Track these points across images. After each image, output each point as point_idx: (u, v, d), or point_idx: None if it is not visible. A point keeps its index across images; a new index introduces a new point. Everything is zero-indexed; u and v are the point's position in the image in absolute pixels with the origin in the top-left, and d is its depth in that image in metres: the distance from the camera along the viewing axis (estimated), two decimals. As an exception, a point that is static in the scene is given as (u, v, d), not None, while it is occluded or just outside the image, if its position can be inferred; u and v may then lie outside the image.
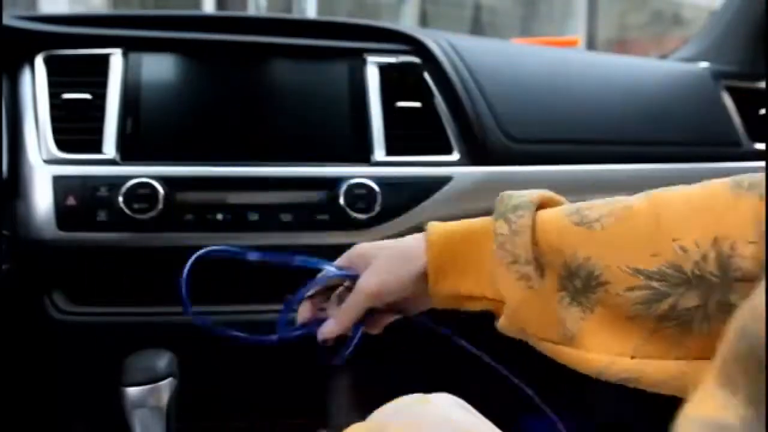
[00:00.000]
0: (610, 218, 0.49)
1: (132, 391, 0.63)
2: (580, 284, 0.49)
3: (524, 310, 0.50)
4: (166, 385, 0.64)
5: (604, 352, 0.49)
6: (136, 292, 0.84)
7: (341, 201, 0.81)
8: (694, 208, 0.47)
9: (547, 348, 0.52)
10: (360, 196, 0.82)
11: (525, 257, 0.50)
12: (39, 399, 0.90)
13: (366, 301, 0.56)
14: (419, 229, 0.86)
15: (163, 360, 0.65)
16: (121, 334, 0.84)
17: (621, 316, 0.48)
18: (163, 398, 0.64)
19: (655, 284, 0.46)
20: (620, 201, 0.50)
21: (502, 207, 0.53)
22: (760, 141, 1.05)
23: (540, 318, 0.50)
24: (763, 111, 1.06)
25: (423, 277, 0.55)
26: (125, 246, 0.79)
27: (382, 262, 0.56)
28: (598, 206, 0.50)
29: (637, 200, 0.50)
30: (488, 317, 0.56)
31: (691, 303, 0.45)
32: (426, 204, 0.85)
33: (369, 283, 0.56)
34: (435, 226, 0.56)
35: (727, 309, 0.45)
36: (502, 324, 0.53)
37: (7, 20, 0.83)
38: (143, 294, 0.84)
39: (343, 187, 0.82)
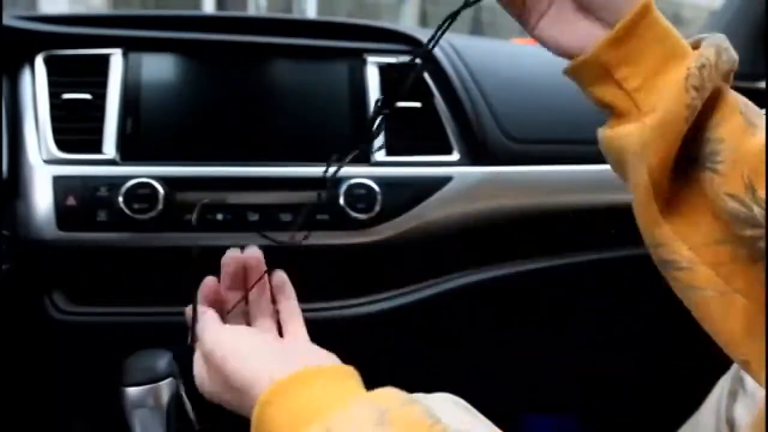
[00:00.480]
0: (763, 133, 0.46)
1: (132, 391, 0.63)
2: (693, 153, 0.47)
3: (666, 134, 0.45)
4: (166, 386, 0.64)
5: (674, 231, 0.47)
6: (136, 292, 0.84)
7: (341, 201, 0.81)
8: None
9: (644, 193, 0.47)
10: (360, 196, 0.82)
11: (706, 94, 0.45)
12: (39, 399, 0.90)
13: None
14: (420, 229, 0.87)
15: (163, 360, 0.65)
16: (121, 334, 0.84)
17: (701, 206, 0.47)
18: (163, 398, 0.64)
19: (756, 209, 0.44)
20: None
21: (714, 39, 0.48)
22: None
23: (667, 150, 0.46)
24: (763, 111, 1.06)
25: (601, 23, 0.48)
26: (125, 246, 0.79)
27: None
28: (758, 114, 0.48)
29: None
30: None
31: None
32: (426, 204, 0.85)
33: None
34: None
35: None
36: (626, 133, 0.47)
37: (7, 20, 0.83)
38: (143, 294, 0.84)
39: (343, 187, 0.82)
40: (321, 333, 0.56)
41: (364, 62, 0.90)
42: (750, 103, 0.49)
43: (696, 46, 0.49)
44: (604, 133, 0.51)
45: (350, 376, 0.42)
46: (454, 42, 0.96)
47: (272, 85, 0.88)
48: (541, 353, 1.10)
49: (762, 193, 0.45)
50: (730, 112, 0.47)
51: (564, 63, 0.53)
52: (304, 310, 0.59)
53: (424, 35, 0.94)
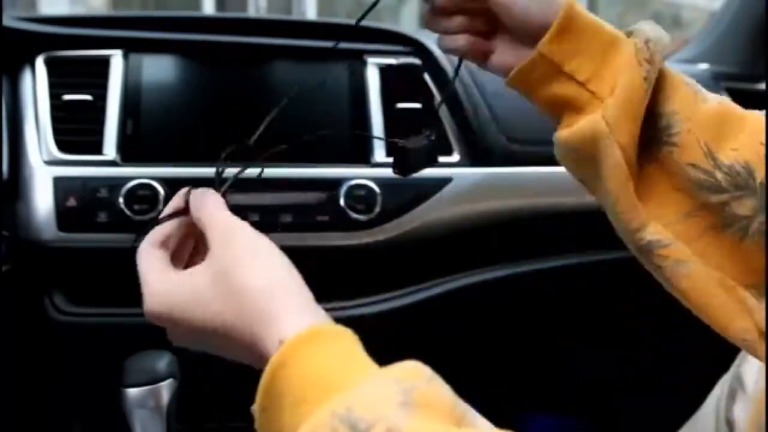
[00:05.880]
0: (714, 98, 0.48)
1: (132, 392, 0.63)
2: (650, 132, 0.47)
3: (630, 111, 0.45)
4: (166, 386, 0.64)
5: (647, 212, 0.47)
6: (136, 293, 0.84)
7: (341, 202, 0.81)
8: None
9: (619, 174, 0.46)
10: (360, 197, 0.82)
11: (657, 66, 0.46)
12: (39, 400, 0.90)
13: None
14: (420, 230, 0.87)
15: (163, 361, 0.65)
16: (121, 335, 0.84)
17: (666, 184, 0.47)
18: (164, 399, 0.64)
19: (719, 176, 0.45)
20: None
21: (643, 24, 0.49)
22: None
23: (634, 128, 0.46)
24: (762, 112, 1.07)
25: (542, 27, 0.48)
26: (125, 247, 0.79)
27: None
28: (703, 89, 0.49)
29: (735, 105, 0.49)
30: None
31: (741, 210, 0.45)
32: (426, 205, 0.85)
33: None
34: None
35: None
36: (589, 123, 0.47)
37: (8, 21, 0.83)
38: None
39: (344, 188, 0.82)
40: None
41: (364, 63, 0.90)
42: (690, 78, 0.49)
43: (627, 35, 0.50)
44: (562, 134, 0.50)
45: (356, 342, 0.39)
46: (454, 43, 0.96)
47: (272, 87, 0.88)
48: (541, 353, 1.10)
49: (721, 156, 0.45)
50: (677, 84, 0.48)
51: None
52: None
53: (424, 36, 0.94)
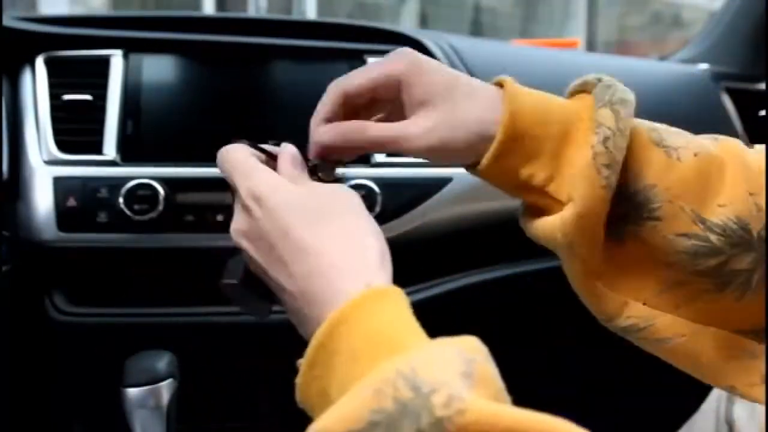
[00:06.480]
0: (688, 152, 0.43)
1: (132, 392, 0.63)
2: (626, 210, 0.43)
3: (589, 222, 0.42)
4: (166, 386, 0.64)
5: (624, 294, 0.44)
6: (137, 293, 0.84)
7: (341, 202, 0.81)
8: None
9: (581, 279, 0.45)
10: (360, 197, 0.82)
11: (618, 166, 0.41)
12: (39, 400, 0.90)
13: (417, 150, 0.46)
14: (420, 230, 0.87)
15: (163, 361, 0.65)
16: (122, 335, 0.84)
17: (648, 258, 0.43)
18: (164, 399, 0.64)
19: (713, 238, 0.42)
20: (693, 137, 0.45)
21: (607, 94, 0.43)
22: (760, 142, 1.05)
23: (594, 237, 0.43)
24: (762, 112, 1.07)
25: (480, 145, 0.44)
26: (126, 247, 0.79)
27: (443, 112, 0.45)
28: (673, 133, 0.44)
29: (709, 142, 0.45)
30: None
31: (740, 266, 0.42)
32: (426, 205, 0.85)
33: (422, 132, 0.45)
34: (513, 87, 0.44)
35: None
36: (548, 228, 0.45)
37: (7, 21, 0.83)
38: (143, 295, 0.84)
39: (343, 188, 0.82)
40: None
41: (364, 63, 0.90)
42: (656, 125, 0.45)
43: (580, 89, 0.46)
44: (525, 224, 0.48)
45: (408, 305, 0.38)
46: (454, 43, 0.96)
47: (272, 87, 0.88)
48: (541, 353, 1.10)
49: (711, 216, 0.42)
50: (647, 151, 0.43)
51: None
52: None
53: (424, 36, 0.94)
